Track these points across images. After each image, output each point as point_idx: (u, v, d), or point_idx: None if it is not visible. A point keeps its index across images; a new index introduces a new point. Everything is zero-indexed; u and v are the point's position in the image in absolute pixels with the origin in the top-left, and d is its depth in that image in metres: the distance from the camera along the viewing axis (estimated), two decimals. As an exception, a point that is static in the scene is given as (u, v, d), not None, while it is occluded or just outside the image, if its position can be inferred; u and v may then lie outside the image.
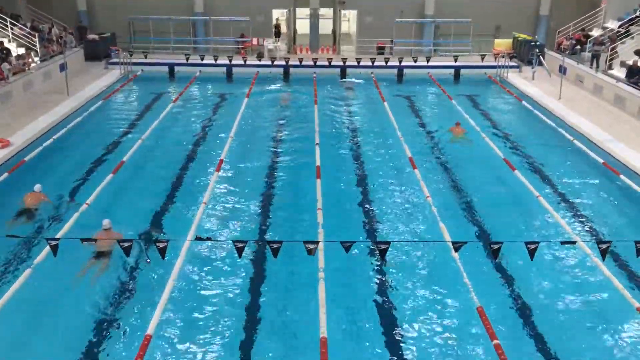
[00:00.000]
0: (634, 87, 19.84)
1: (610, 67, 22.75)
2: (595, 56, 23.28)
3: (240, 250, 8.54)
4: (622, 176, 14.33)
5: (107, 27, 28.82)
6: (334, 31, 32.55)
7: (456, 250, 8.88)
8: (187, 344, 8.43)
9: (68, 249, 9.14)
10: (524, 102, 21.55)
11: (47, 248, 8.91)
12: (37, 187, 12.54)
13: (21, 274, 9.68)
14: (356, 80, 25.16)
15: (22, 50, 22.36)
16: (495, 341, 8.17)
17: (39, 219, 12.04)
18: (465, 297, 9.31)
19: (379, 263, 10.37)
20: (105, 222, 10.76)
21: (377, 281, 10.11)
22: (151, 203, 12.87)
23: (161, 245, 8.53)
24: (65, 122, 18.29)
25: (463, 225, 12.17)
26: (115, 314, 9.07)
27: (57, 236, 10.16)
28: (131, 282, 9.95)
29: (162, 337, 8.47)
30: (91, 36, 27.61)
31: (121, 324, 8.83)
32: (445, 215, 12.04)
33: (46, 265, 9.82)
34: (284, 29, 32.99)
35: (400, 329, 8.89)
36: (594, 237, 11.46)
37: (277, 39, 28.66)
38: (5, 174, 13.93)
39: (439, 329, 8.87)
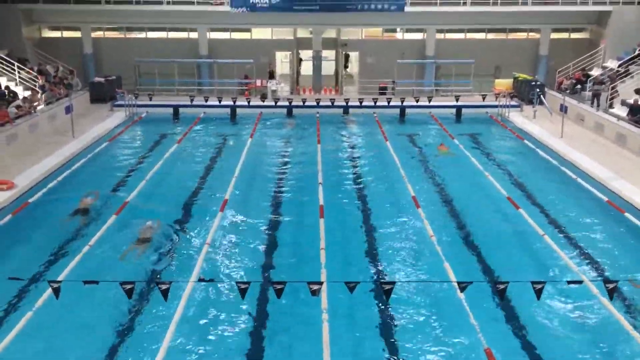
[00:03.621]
0: (635, 125, 19.94)
1: (611, 106, 22.92)
2: (596, 95, 23.49)
3: (243, 292, 8.46)
4: (626, 214, 14.27)
5: (112, 69, 29.28)
6: (336, 72, 33.03)
7: (462, 290, 8.79)
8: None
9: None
10: (525, 141, 21.65)
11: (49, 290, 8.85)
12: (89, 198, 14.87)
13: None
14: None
15: (28, 93, 22.65)
16: (504, 384, 8.01)
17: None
18: (473, 338, 9.16)
19: (383, 304, 10.25)
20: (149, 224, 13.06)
21: (382, 322, 9.97)
22: (156, 243, 12.82)
23: (164, 287, 8.46)
24: (70, 164, 18.41)
25: (468, 264, 12.07)
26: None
27: (60, 278, 10.10)
28: (131, 326, 9.84)
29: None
30: (97, 79, 28.04)
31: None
32: (450, 255, 11.95)
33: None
34: (281, 70, 33.59)
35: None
36: (601, 276, 11.34)
37: (273, 80, 29.17)
38: (9, 216, 13.94)
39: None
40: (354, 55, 34.57)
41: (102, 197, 15.44)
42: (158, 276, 11.39)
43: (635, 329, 9.40)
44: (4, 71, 24.19)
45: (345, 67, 32.09)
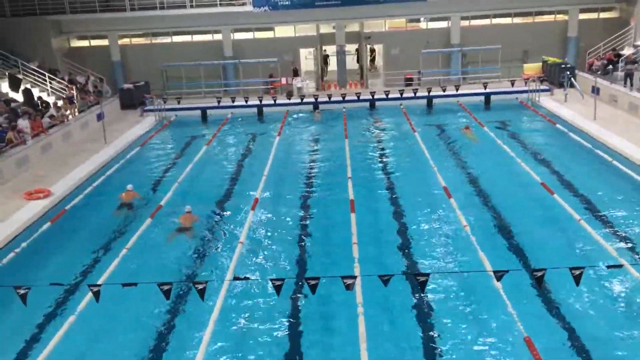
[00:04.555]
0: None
1: (645, 85, 22.32)
2: (629, 75, 22.89)
3: (278, 288, 8.51)
4: (666, 195, 13.91)
5: (140, 75, 29.72)
6: (360, 66, 32.88)
7: (498, 279, 8.68)
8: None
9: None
10: (558, 125, 21.23)
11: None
12: (130, 186, 15.62)
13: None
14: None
15: (60, 103, 23.18)
16: (545, 372, 7.89)
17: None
18: (512, 327, 9.05)
19: (419, 295, 10.20)
20: (188, 207, 13.90)
21: (418, 314, 9.92)
22: (190, 243, 13.02)
23: (200, 286, 8.57)
24: (104, 170, 18.77)
25: (503, 253, 11.92)
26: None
27: (102, 279, 10.32)
28: (171, 323, 10.01)
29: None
30: (126, 85, 28.49)
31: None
32: (484, 244, 11.81)
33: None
34: (306, 67, 33.59)
35: (445, 362, 8.68)
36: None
37: (298, 77, 29.22)
38: (48, 224, 14.29)
39: (486, 362, 8.63)
40: (377, 48, 34.37)
41: (136, 200, 15.71)
42: (193, 276, 11.55)
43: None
44: (36, 82, 24.78)
45: (372, 60, 31.81)
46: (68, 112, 23.06)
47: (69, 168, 18.60)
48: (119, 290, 8.83)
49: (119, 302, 10.18)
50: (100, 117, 23.50)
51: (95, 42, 31.05)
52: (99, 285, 8.89)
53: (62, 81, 25.85)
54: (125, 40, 31.16)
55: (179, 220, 13.93)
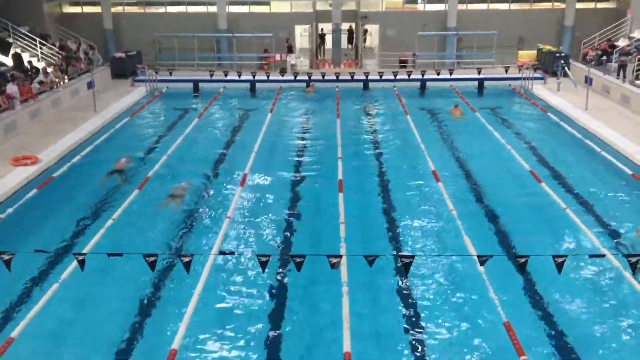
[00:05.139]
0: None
1: (637, 77, 22.37)
2: (622, 66, 22.93)
3: (263, 265, 8.55)
4: (652, 188, 14.05)
5: (132, 45, 29.35)
6: (356, 45, 32.68)
7: (482, 264, 8.77)
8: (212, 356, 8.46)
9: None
10: (549, 114, 21.30)
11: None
12: (123, 159, 15.87)
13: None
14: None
15: (50, 69, 22.89)
16: (523, 357, 8.01)
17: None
18: (492, 311, 9.17)
19: (403, 277, 10.29)
20: (182, 184, 14.21)
21: (401, 295, 10.02)
22: (177, 216, 13.01)
23: (185, 259, 8.58)
24: (93, 139, 18.63)
25: (488, 238, 12.02)
26: (137, 331, 9.15)
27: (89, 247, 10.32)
28: (155, 297, 10.04)
29: (187, 348, 8.52)
30: (117, 54, 28.15)
31: (145, 338, 8.91)
32: (470, 229, 11.90)
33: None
34: (301, 44, 33.27)
35: (425, 344, 8.79)
36: (624, 250, 11.21)
37: (292, 54, 28.95)
38: (34, 191, 14.20)
39: (466, 344, 8.75)
40: (372, 28, 34.13)
41: (127, 168, 15.69)
42: (179, 248, 11.57)
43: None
44: (27, 47, 24.41)
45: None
46: (58, 79, 22.77)
47: (58, 135, 18.43)
48: (104, 260, 8.83)
49: (104, 271, 10.20)
50: (90, 85, 23.24)
51: (87, 9, 30.61)
52: (84, 254, 8.89)
53: (53, 47, 25.48)
54: (118, 8, 30.74)
55: (172, 189, 14.00)
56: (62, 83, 22.96)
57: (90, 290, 10.13)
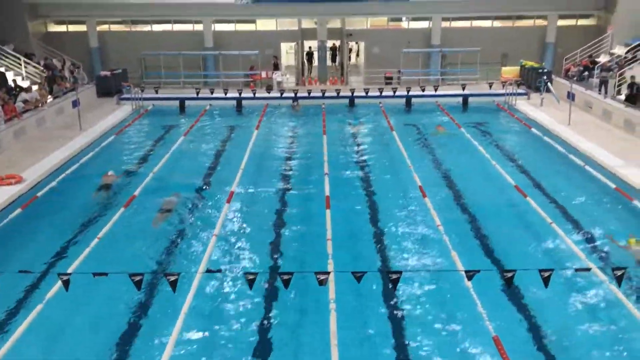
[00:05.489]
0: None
1: (618, 93, 22.74)
2: (604, 82, 23.30)
3: (251, 282, 8.50)
4: (635, 201, 14.20)
5: (118, 63, 29.33)
6: (341, 63, 32.93)
7: (469, 279, 8.80)
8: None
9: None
10: (533, 129, 21.54)
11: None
12: (111, 172, 16.26)
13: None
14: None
15: (35, 88, 22.76)
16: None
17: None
18: (480, 326, 9.18)
19: (391, 293, 10.28)
20: (172, 197, 14.44)
21: (389, 311, 10.00)
22: (163, 234, 12.92)
23: (172, 278, 8.52)
24: (78, 158, 18.50)
25: (476, 253, 12.06)
26: (123, 350, 9.03)
27: (69, 271, 10.19)
28: (142, 318, 9.93)
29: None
30: (103, 72, 28.10)
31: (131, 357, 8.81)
32: (457, 244, 11.94)
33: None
34: (287, 61, 33.49)
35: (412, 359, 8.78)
36: (609, 264, 11.30)
37: (278, 71, 29.12)
38: (19, 210, 14.04)
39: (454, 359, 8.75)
40: (355, 46, 34.39)
41: (115, 184, 15.70)
42: (166, 267, 11.48)
43: (644, 316, 9.38)
44: (11, 66, 24.29)
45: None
46: (43, 97, 22.64)
47: (42, 154, 18.28)
48: (89, 280, 8.74)
49: (89, 291, 10.08)
50: (75, 104, 23.14)
51: (73, 28, 30.57)
52: (69, 274, 8.79)
53: (38, 66, 25.38)
54: (104, 27, 30.75)
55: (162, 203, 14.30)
56: (46, 102, 22.84)
57: (75, 310, 9.98)
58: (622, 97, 22.14)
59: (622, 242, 12.07)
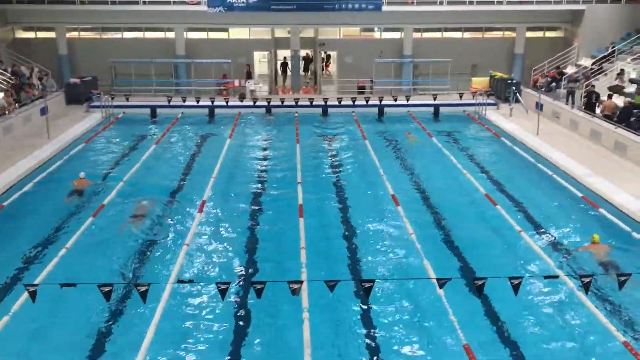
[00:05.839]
0: (609, 122, 20.27)
1: (585, 104, 23.24)
2: (571, 93, 23.83)
3: (223, 292, 8.43)
4: (601, 209, 14.51)
5: (88, 70, 28.91)
6: (314, 72, 33.01)
7: (441, 286, 8.87)
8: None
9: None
10: (502, 138, 21.89)
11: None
12: (82, 174, 16.26)
13: None
14: None
15: (2, 95, 22.29)
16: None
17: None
18: (452, 334, 9.25)
19: (363, 301, 10.29)
20: (144, 202, 14.53)
21: (362, 319, 10.01)
22: (133, 244, 12.74)
23: (142, 288, 8.39)
24: (46, 166, 18.14)
25: (447, 261, 12.17)
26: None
27: (37, 281, 9.96)
28: (113, 326, 9.76)
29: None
30: (72, 80, 27.67)
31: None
32: (429, 252, 12.03)
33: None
34: (260, 70, 33.46)
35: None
36: (577, 271, 11.51)
37: (251, 80, 29.08)
38: (-17, 219, 13.72)
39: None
40: (333, 55, 34.58)
41: (75, 201, 15.32)
42: (137, 278, 11.30)
43: (611, 323, 9.55)
44: (-23, 73, 23.77)
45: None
46: (10, 105, 22.17)
47: (9, 163, 17.88)
48: (57, 291, 8.55)
49: (57, 302, 9.87)
50: (43, 111, 22.73)
51: (41, 34, 30.08)
52: (36, 285, 8.59)
53: (5, 72, 24.88)
54: (74, 34, 30.32)
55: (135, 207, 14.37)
56: (14, 109, 22.38)
57: (44, 322, 9.76)
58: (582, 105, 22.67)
59: (586, 244, 12.38)
